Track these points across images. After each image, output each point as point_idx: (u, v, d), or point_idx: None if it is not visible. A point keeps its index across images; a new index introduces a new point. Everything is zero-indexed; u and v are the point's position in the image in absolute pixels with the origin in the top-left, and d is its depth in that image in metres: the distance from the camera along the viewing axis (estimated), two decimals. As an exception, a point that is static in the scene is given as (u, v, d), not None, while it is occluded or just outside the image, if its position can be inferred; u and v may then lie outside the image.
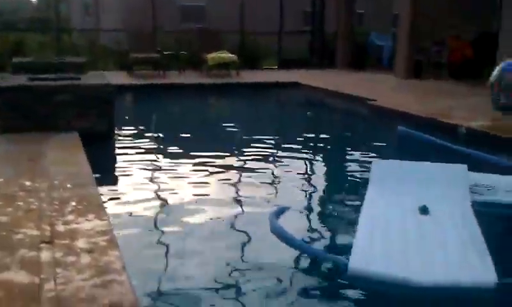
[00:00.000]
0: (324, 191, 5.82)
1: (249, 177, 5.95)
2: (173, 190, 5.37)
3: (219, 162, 6.52)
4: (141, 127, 8.59)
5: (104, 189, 4.94)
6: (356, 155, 7.18)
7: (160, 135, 8.18)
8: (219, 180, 5.82)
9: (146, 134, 8.23)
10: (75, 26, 24.47)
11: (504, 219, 4.67)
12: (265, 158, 6.79)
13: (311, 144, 7.88)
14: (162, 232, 4.34)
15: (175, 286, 3.43)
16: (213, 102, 12.05)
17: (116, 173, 6.11)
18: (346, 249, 3.78)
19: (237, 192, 5.39)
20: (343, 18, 16.52)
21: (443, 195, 4.77)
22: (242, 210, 4.86)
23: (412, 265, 3.60)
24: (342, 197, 5.39)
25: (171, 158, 6.72)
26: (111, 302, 2.66)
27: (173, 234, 4.28)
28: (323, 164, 7.10)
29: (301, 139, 8.13)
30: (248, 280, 3.57)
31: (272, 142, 7.87)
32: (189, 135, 8.26)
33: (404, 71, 13.67)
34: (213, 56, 13.57)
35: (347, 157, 7.10)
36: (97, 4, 26.70)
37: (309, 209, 5.05)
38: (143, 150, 7.05)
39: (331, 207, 5.26)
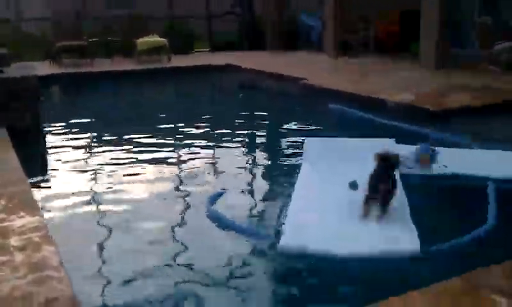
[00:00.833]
0: (258, 171, 5.87)
1: (184, 164, 5.95)
2: (106, 182, 5.26)
3: (152, 149, 6.47)
4: (70, 119, 8.35)
5: (34, 185, 4.83)
6: (289, 133, 7.25)
7: (90, 125, 8.00)
8: (153, 169, 5.76)
9: (75, 126, 7.99)
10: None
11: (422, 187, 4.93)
12: (199, 144, 6.78)
13: (245, 126, 7.88)
14: (98, 225, 4.25)
15: (112, 281, 3.37)
16: (143, 89, 11.85)
17: (47, 168, 5.97)
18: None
19: (173, 181, 5.35)
20: (272, 0, 16.59)
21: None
22: (181, 199, 4.84)
23: (340, 238, 3.72)
24: (277, 176, 5.47)
25: (102, 150, 6.57)
26: (48, 299, 2.63)
27: (109, 227, 4.19)
28: (257, 144, 7.13)
29: (234, 121, 8.15)
30: (188, 271, 3.53)
31: (206, 126, 7.83)
32: (119, 124, 8.10)
33: (333, 50, 13.92)
34: (142, 41, 13.38)
35: (281, 137, 7.15)
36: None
37: (246, 191, 5.08)
38: (72, 143, 6.87)
39: (267, 186, 5.34)
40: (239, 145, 6.85)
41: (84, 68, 12.63)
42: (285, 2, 17.04)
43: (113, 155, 6.27)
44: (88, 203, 4.68)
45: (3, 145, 5.69)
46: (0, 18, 18.38)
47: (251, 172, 5.75)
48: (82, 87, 11.46)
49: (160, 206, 4.64)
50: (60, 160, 6.08)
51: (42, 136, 7.12)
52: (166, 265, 3.55)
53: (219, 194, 4.64)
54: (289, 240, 3.67)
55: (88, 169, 5.74)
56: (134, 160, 6.01)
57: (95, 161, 6.07)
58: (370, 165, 4.63)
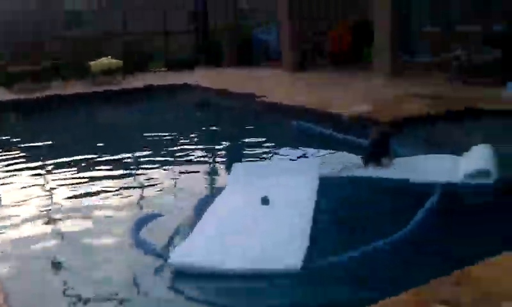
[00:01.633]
0: (195, 192, 5.71)
1: (126, 184, 5.98)
2: (49, 204, 5.38)
3: (99, 173, 6.48)
4: (20, 145, 8.18)
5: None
6: (244, 152, 7.25)
7: (38, 151, 7.84)
8: (93, 192, 5.73)
9: (24, 152, 7.84)
10: None
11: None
12: (150, 165, 6.74)
13: (200, 146, 7.84)
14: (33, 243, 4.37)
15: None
16: (95, 111, 11.66)
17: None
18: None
19: (113, 203, 5.39)
20: (227, 16, 16.64)
21: (291, 187, 5.20)
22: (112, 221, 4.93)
23: (229, 255, 3.88)
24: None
25: (49, 174, 6.58)
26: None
27: (43, 246, 4.34)
28: (203, 166, 7.03)
29: (190, 141, 8.11)
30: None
31: (152, 148, 7.72)
32: (66, 148, 7.97)
33: (290, 64, 14.02)
34: (96, 63, 13.21)
35: (230, 157, 7.14)
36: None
37: (176, 210, 5.10)
38: (20, 168, 6.82)
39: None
40: (183, 167, 6.67)
41: (38, 93, 12.32)
42: (240, 17, 17.12)
43: (56, 179, 6.29)
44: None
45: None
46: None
47: (188, 192, 5.65)
48: (33, 113, 11.18)
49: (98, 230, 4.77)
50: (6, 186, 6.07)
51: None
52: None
53: (151, 216, 4.76)
54: (178, 257, 3.86)
55: (32, 195, 5.70)
56: (77, 181, 6.09)
57: (39, 187, 6.06)
58: (290, 184, 5.18)
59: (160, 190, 5.78)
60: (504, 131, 7.25)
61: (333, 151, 6.50)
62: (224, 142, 8.02)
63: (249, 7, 18.91)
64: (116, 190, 5.73)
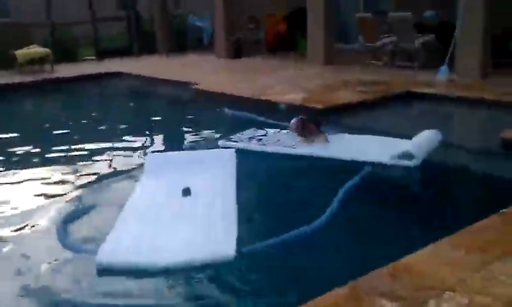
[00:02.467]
0: (122, 186, 5.49)
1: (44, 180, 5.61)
2: None
3: (22, 170, 6.06)
4: None
5: None
6: (176, 141, 7.01)
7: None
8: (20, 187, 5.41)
9: None
10: None
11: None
12: (73, 158, 6.44)
13: (133, 137, 7.48)
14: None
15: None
16: (22, 103, 11.09)
17: None
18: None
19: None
20: (158, 2, 16.20)
21: (210, 178, 5.07)
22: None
23: (158, 251, 3.72)
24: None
25: None
26: None
27: None
28: (138, 155, 6.64)
29: (116, 131, 7.78)
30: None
31: (85, 138, 7.37)
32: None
33: (224, 51, 13.81)
34: (22, 52, 12.56)
35: (167, 144, 6.90)
36: None
37: (106, 206, 4.81)
38: None
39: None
40: (108, 159, 6.35)
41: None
42: (170, 3, 16.72)
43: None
44: None
45: None
46: None
47: (115, 187, 5.39)
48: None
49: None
50: None
51: None
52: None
53: (79, 211, 4.54)
54: (105, 256, 3.65)
55: None
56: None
57: None
58: (208, 174, 5.09)
59: (85, 182, 5.42)
60: (435, 114, 7.39)
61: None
62: (153, 132, 7.72)
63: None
64: (38, 184, 5.42)
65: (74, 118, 9.18)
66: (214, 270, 3.54)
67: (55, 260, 3.79)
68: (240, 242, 3.75)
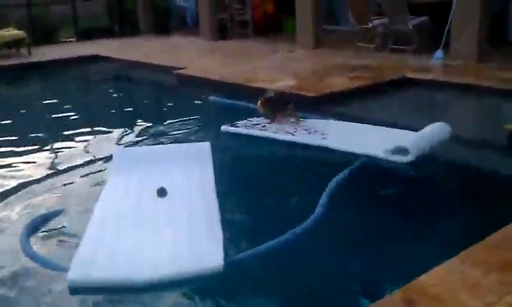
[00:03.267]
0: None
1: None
2: None
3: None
4: None
5: None
6: (158, 132, 6.54)
7: None
8: None
9: None
10: None
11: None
12: (44, 150, 5.96)
13: (105, 128, 6.89)
14: None
15: None
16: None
17: None
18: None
19: None
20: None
21: (186, 174, 4.67)
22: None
23: (138, 261, 3.31)
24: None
25: None
26: None
27: None
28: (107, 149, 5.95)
29: (92, 120, 7.29)
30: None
31: (56, 129, 6.89)
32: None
33: (210, 33, 13.27)
34: (-5, 35, 11.95)
35: (142, 136, 6.33)
36: None
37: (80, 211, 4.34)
38: None
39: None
40: (90, 153, 5.76)
41: None
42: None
43: None
44: None
45: None
46: None
47: (83, 185, 4.85)
48: None
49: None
50: None
51: None
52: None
53: (44, 216, 4.04)
54: (77, 273, 3.18)
55: None
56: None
57: None
58: (182, 170, 4.66)
59: (50, 179, 4.92)
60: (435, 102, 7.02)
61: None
62: (128, 123, 7.12)
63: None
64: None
65: (43, 106, 8.57)
66: (201, 284, 3.19)
67: (17, 275, 3.35)
68: (226, 248, 3.37)
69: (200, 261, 3.24)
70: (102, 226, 3.78)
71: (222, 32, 13.56)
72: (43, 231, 3.84)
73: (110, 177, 4.70)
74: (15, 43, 12.35)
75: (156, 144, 5.91)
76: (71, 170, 5.12)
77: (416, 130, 5.24)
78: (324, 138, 5.47)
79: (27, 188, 4.66)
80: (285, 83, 7.63)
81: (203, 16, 13.49)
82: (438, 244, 3.52)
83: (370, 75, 7.99)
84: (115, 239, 3.60)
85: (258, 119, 6.20)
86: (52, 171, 5.15)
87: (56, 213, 4.08)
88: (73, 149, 5.89)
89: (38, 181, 4.85)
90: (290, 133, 5.73)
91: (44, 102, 8.80)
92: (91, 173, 5.01)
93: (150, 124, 6.96)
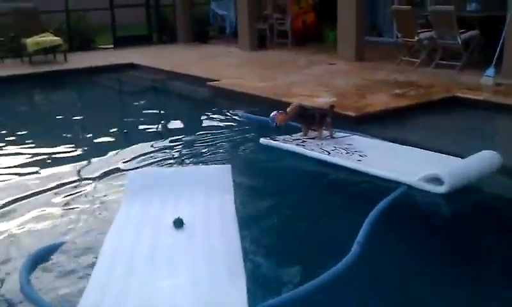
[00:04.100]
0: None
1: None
2: None
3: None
4: None
5: None
6: (180, 148, 6.12)
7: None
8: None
9: None
10: None
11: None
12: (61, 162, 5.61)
13: (129, 141, 6.52)
14: None
15: None
16: (28, 97, 10.36)
17: None
18: None
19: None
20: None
21: (205, 202, 4.24)
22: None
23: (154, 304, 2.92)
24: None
25: None
26: None
27: None
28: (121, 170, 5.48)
29: (116, 134, 6.97)
30: None
31: (79, 142, 6.61)
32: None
33: (248, 43, 12.87)
34: (32, 41, 11.81)
35: (164, 156, 5.83)
36: None
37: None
38: None
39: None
40: (103, 171, 5.23)
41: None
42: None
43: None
44: None
45: None
46: None
47: (94, 212, 4.37)
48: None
49: None
50: None
51: None
52: None
53: (53, 247, 3.63)
54: None
55: None
56: None
57: None
58: (201, 197, 4.23)
59: (59, 202, 4.51)
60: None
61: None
62: (153, 136, 6.72)
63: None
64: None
65: (69, 115, 8.29)
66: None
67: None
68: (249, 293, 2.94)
69: None
70: (112, 264, 3.37)
71: (261, 42, 13.16)
72: (44, 268, 3.43)
73: (123, 203, 4.30)
74: (52, 49, 12.23)
75: (175, 163, 5.49)
76: (80, 190, 4.73)
77: (463, 157, 4.77)
78: (359, 160, 5.10)
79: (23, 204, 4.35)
80: (322, 99, 7.14)
81: (242, 26, 13.10)
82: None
83: (415, 93, 7.43)
84: (126, 281, 3.19)
85: (298, 134, 5.91)
86: (55, 191, 4.73)
87: (58, 246, 3.66)
88: (88, 167, 5.50)
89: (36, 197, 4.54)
90: (327, 151, 5.37)
91: (66, 112, 8.58)
92: (103, 196, 4.60)
93: (174, 138, 6.52)
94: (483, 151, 4.73)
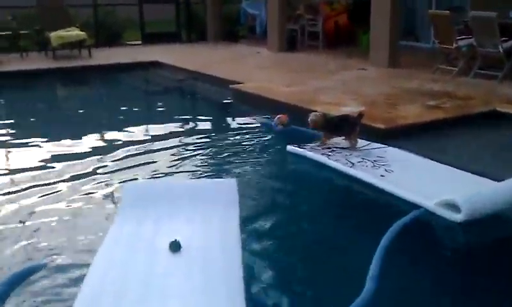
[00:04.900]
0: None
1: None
2: None
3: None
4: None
5: None
6: (190, 155, 5.68)
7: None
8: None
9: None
10: None
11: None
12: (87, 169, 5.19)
13: (139, 144, 6.08)
14: None
15: None
16: (49, 93, 10.11)
17: None
18: None
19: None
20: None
21: (206, 221, 3.84)
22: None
23: None
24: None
25: None
26: None
27: None
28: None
29: (128, 137, 6.59)
30: None
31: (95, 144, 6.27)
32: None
33: (278, 44, 12.42)
34: (56, 35, 11.58)
35: (191, 162, 5.50)
36: None
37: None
38: None
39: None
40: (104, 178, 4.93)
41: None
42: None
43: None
44: None
45: None
46: None
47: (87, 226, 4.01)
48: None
49: None
50: None
51: None
52: None
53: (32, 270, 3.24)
54: None
55: None
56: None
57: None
58: (202, 214, 3.87)
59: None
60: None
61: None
62: (171, 143, 6.28)
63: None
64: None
65: (86, 113, 8.07)
66: None
67: None
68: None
69: None
70: (98, 295, 2.98)
71: (291, 43, 12.69)
72: (21, 293, 3.05)
73: (116, 219, 3.91)
74: (77, 44, 11.99)
75: (185, 171, 5.09)
76: (72, 200, 4.36)
77: (499, 180, 4.28)
78: (382, 175, 4.73)
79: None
80: (350, 109, 6.64)
81: (272, 26, 12.66)
82: None
83: (451, 105, 6.86)
84: (117, 299, 2.89)
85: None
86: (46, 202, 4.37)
87: (39, 268, 3.28)
88: (91, 175, 5.07)
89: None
90: (351, 163, 5.04)
91: (72, 108, 8.44)
92: (98, 206, 4.23)
93: (186, 141, 6.14)
94: None
